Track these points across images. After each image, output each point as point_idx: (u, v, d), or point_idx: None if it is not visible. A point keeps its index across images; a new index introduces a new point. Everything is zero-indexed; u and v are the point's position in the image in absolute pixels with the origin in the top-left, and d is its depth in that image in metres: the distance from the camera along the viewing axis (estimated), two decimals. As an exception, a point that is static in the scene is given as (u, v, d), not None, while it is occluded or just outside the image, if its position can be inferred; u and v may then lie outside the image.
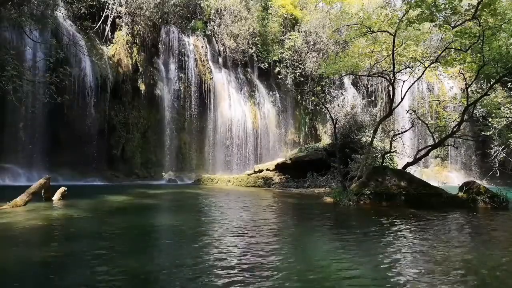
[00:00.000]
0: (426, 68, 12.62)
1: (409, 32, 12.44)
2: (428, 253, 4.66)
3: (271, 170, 17.72)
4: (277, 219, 7.61)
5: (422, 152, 13.02)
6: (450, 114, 20.71)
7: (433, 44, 19.33)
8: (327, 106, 16.45)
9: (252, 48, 24.03)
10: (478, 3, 9.82)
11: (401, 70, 13.41)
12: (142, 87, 20.01)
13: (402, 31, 11.93)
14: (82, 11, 18.42)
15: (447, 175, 24.79)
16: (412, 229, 6.45)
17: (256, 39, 24.17)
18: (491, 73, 12.36)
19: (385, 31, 12.25)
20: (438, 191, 10.03)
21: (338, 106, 19.47)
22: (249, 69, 25.32)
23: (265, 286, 3.30)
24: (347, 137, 16.46)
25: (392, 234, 5.89)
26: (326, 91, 26.00)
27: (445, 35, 12.73)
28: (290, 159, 17.76)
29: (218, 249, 4.62)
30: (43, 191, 8.47)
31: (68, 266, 3.87)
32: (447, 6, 10.34)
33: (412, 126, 14.02)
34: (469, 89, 12.58)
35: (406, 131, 14.11)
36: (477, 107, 14.44)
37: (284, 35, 25.66)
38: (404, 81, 13.12)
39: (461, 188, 10.23)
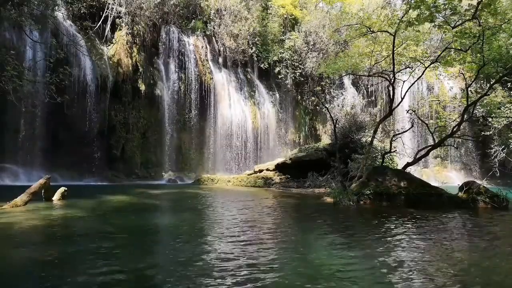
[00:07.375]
0: (426, 68, 12.62)
1: (409, 32, 12.44)
2: (428, 253, 4.66)
3: (271, 170, 17.71)
4: (277, 219, 7.61)
5: (422, 152, 13.02)
6: (450, 114, 20.75)
7: (433, 44, 19.32)
8: (327, 106, 16.49)
9: (252, 48, 24.05)
10: (478, 3, 9.82)
11: (401, 70, 13.42)
12: (142, 87, 20.02)
13: (402, 31, 11.93)
14: (82, 11, 18.44)
15: (447, 175, 24.82)
16: (412, 229, 6.44)
17: (256, 39, 24.19)
18: (491, 73, 12.36)
19: (385, 31, 12.25)
20: (438, 191, 10.03)
21: (338, 106, 19.51)
22: (249, 69, 25.33)
23: (265, 285, 3.30)
24: (347, 137, 16.48)
25: (392, 234, 5.89)
26: (326, 91, 26.03)
27: (445, 35, 12.72)
28: (290, 159, 17.75)
29: (217, 248, 4.62)
30: (43, 191, 8.47)
31: (68, 265, 3.87)
32: (447, 6, 10.34)
33: (412, 126, 14.03)
34: (469, 89, 12.57)
35: (406, 131, 14.13)
36: (477, 107, 14.43)
37: (284, 35, 25.68)
38: (404, 81, 13.13)
39: (461, 188, 10.22)
